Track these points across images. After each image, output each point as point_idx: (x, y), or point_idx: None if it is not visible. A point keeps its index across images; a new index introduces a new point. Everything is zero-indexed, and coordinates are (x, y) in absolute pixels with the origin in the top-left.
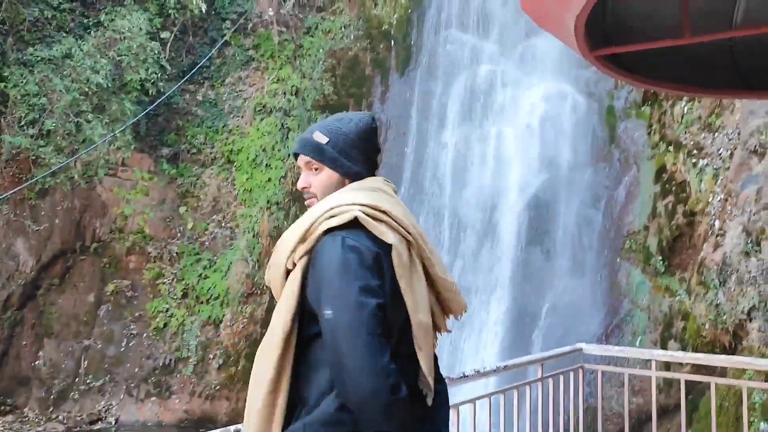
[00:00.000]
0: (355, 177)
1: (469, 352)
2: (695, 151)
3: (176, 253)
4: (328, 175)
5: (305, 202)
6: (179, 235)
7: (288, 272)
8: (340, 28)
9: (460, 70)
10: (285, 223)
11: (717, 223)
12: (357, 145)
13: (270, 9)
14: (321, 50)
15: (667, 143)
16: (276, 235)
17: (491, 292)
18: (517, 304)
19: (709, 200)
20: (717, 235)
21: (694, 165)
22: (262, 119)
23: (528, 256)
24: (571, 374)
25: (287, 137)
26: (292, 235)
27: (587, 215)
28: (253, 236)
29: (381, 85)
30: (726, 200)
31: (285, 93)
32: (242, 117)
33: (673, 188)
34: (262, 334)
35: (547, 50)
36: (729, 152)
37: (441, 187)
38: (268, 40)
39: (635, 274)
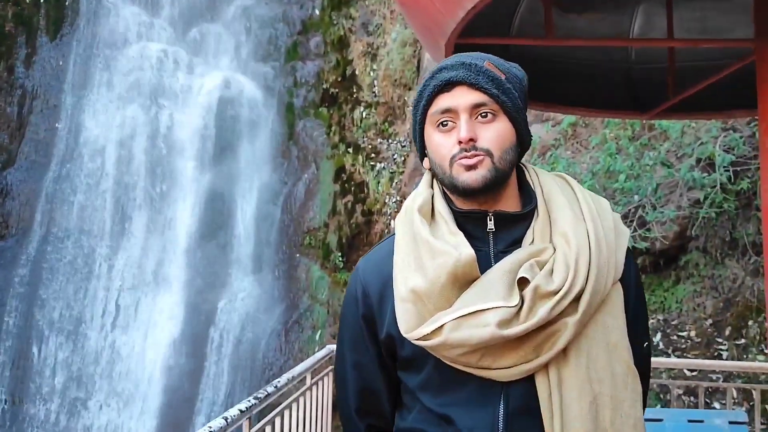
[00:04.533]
0: (526, 146)
1: (135, 350)
2: (373, 155)
3: None
4: (507, 128)
5: (461, 161)
6: None
7: None
8: None
9: (126, 45)
10: None
11: (393, 223)
12: (526, 101)
13: None
14: None
15: (346, 145)
16: None
17: (162, 287)
18: (191, 300)
19: (386, 201)
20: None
21: (372, 168)
22: None
23: (203, 250)
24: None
25: None
26: (605, 238)
27: (266, 210)
28: None
29: (27, 46)
30: (401, 202)
31: None
32: None
33: (353, 188)
34: None
35: (224, 38)
36: (403, 158)
37: (103, 171)
38: None
39: (314, 270)
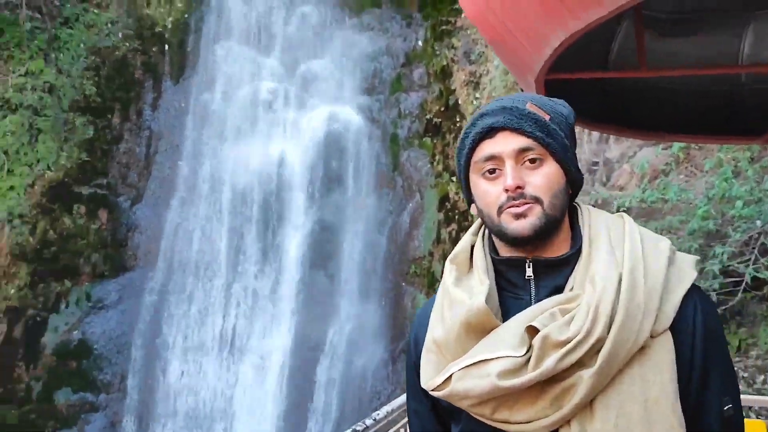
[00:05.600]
0: (577, 187)
1: (249, 377)
2: None
3: None
4: (556, 171)
5: (510, 209)
6: None
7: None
8: (106, 24)
9: (240, 84)
10: (30, 239)
11: None
12: (574, 138)
13: None
14: (82, 45)
15: (450, 173)
16: (19, 253)
17: (273, 316)
18: (301, 329)
19: None
20: None
21: None
22: (4, 116)
23: (312, 280)
24: None
25: (36, 140)
26: (647, 281)
27: (372, 240)
28: None
29: (153, 91)
30: None
31: (36, 89)
32: None
33: (456, 216)
34: None
35: (330, 73)
36: None
37: (220, 206)
38: (15, 26)
39: (420, 298)
